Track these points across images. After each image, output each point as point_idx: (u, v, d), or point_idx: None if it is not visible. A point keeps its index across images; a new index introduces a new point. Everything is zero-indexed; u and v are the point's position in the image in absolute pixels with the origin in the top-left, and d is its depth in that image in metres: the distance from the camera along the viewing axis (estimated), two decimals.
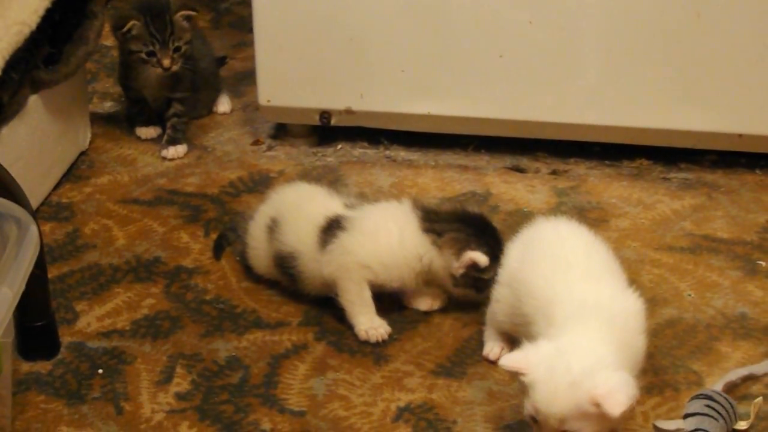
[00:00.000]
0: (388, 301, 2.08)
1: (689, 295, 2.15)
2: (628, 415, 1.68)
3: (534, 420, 1.69)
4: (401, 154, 2.64)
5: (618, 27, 2.41)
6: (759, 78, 2.40)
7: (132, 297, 2.17)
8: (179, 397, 1.92)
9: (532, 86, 2.49)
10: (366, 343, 2.03)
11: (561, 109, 2.50)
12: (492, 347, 1.98)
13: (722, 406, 1.77)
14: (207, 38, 2.92)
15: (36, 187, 2.38)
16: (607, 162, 2.58)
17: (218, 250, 2.28)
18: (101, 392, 1.94)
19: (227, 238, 2.29)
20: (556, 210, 2.40)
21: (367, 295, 2.04)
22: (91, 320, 2.10)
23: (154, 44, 2.59)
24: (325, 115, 2.61)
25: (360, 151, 2.66)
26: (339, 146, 2.67)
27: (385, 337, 2.03)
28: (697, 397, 1.81)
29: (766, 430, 1.82)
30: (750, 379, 1.92)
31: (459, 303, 2.10)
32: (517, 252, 1.92)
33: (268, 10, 2.52)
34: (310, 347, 2.03)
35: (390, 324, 2.05)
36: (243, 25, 3.22)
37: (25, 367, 1.98)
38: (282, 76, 2.58)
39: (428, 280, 2.08)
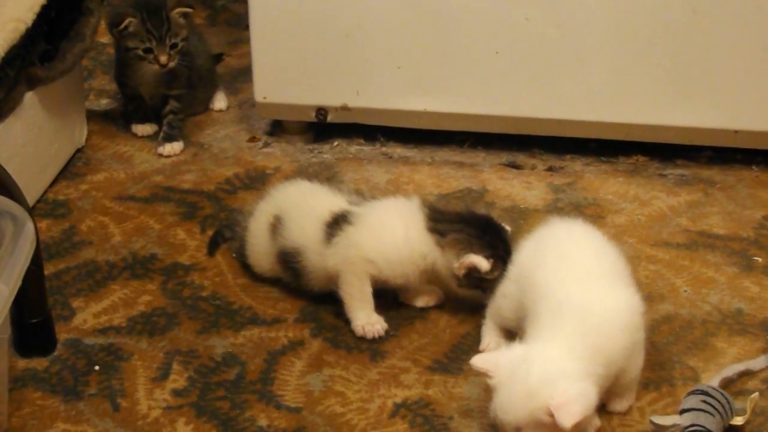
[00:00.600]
0: (385, 297, 2.08)
1: (685, 291, 2.15)
2: (584, 426, 1.70)
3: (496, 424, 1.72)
4: (397, 150, 2.64)
5: (614, 24, 2.41)
6: (755, 74, 2.40)
7: (128, 294, 2.17)
8: (176, 393, 1.92)
9: (528, 83, 2.49)
10: (362, 339, 2.03)
11: (557, 105, 2.50)
12: (489, 342, 1.98)
13: (718, 401, 1.78)
14: (203, 35, 2.92)
15: (32, 184, 2.37)
16: (603, 158, 2.58)
17: (213, 246, 2.28)
18: (98, 389, 1.94)
19: (223, 235, 2.29)
20: (552, 206, 2.40)
21: (368, 290, 2.04)
22: (87, 317, 2.10)
23: (151, 41, 2.59)
24: (321, 111, 2.61)
25: (356, 147, 2.66)
26: (335, 143, 2.67)
27: (382, 333, 2.03)
28: (693, 392, 1.81)
29: (762, 425, 1.82)
30: (746, 374, 1.92)
31: (455, 299, 2.10)
32: (529, 249, 1.93)
33: (264, 7, 2.52)
34: (306, 344, 2.03)
35: (386, 320, 2.05)
36: (239, 22, 3.22)
37: (22, 363, 1.98)
38: (278, 73, 2.58)
39: (432, 279, 2.08)
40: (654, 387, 1.91)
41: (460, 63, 2.49)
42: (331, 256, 2.03)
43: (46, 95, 2.42)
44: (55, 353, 2.01)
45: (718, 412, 1.77)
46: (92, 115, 2.76)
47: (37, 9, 2.29)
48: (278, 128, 2.72)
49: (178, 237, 2.33)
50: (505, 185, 2.50)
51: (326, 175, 2.51)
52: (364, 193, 2.28)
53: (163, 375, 1.96)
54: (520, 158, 2.60)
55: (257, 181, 2.52)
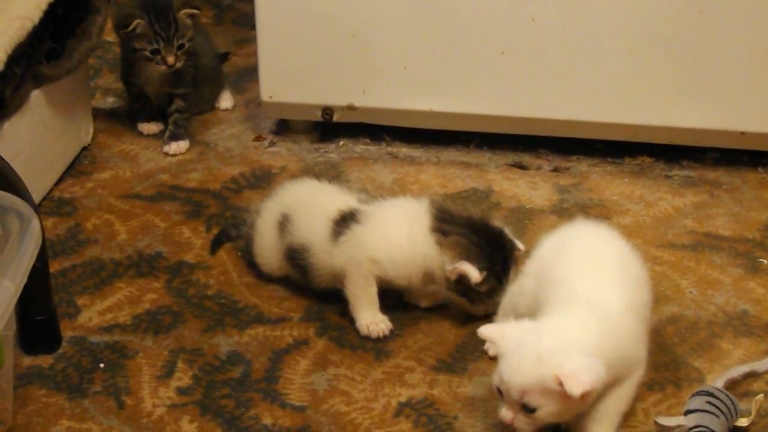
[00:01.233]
0: (390, 297, 2.08)
1: (691, 292, 2.15)
2: (590, 398, 1.68)
3: (499, 391, 1.71)
4: (403, 150, 2.64)
5: (620, 25, 2.41)
6: (761, 75, 2.40)
7: (133, 292, 2.17)
8: (180, 391, 1.93)
9: (534, 83, 2.49)
10: (367, 338, 2.03)
11: (563, 106, 2.50)
12: None
13: (723, 402, 1.77)
14: (209, 34, 2.92)
15: (38, 182, 2.38)
16: (609, 159, 2.58)
17: (216, 245, 2.28)
18: (102, 386, 1.94)
19: (228, 234, 2.29)
20: (557, 207, 2.40)
21: (373, 290, 2.03)
22: (92, 315, 2.11)
23: (158, 42, 2.59)
24: (327, 111, 2.61)
25: (362, 147, 2.66)
26: (341, 142, 2.67)
27: (387, 332, 2.03)
28: (698, 393, 1.81)
29: (767, 427, 1.82)
30: (751, 376, 1.92)
31: None
32: (551, 246, 1.92)
33: (271, 7, 2.52)
34: (311, 342, 2.03)
35: (391, 320, 2.05)
36: (245, 22, 3.22)
37: (27, 361, 1.99)
38: (284, 73, 2.58)
39: (429, 280, 2.07)
40: (659, 388, 1.90)
41: (466, 63, 2.49)
42: (338, 255, 2.03)
43: (52, 93, 2.43)
44: (60, 351, 2.02)
45: (723, 413, 1.76)
46: (98, 114, 2.76)
47: (44, 7, 2.29)
48: (284, 127, 2.72)
49: (184, 235, 2.33)
50: (511, 185, 2.50)
51: (332, 175, 2.51)
52: (372, 193, 2.28)
53: (168, 373, 1.96)
54: (526, 159, 2.60)
55: (263, 180, 2.52)
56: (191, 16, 2.63)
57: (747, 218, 2.37)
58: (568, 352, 1.66)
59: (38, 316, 1.98)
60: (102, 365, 1.99)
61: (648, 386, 1.89)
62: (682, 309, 2.10)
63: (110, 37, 2.93)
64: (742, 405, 1.81)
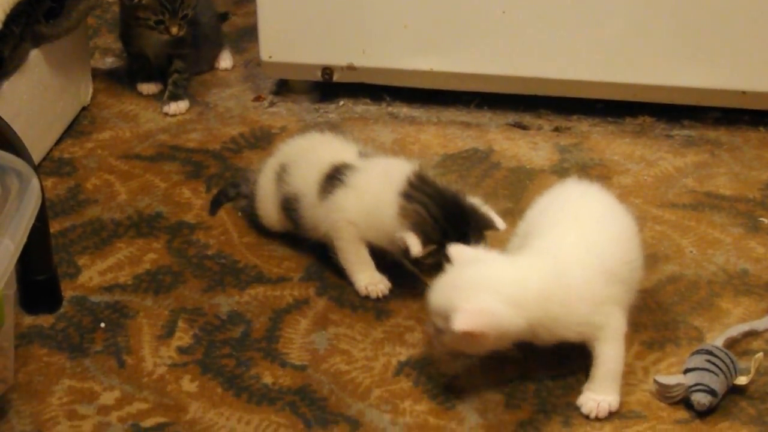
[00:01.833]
0: (387, 257, 2.08)
1: (691, 251, 2.15)
2: (484, 342, 1.67)
3: None
4: (403, 110, 2.64)
5: None
6: (763, 34, 2.39)
7: (134, 252, 2.17)
8: (181, 351, 1.93)
9: (534, 42, 2.48)
10: (367, 298, 2.03)
11: (564, 65, 2.49)
12: None
13: (723, 361, 1.78)
14: None
15: (37, 142, 2.37)
16: (609, 119, 2.57)
17: (215, 205, 2.27)
18: (103, 346, 1.94)
19: (227, 195, 2.29)
20: (558, 167, 2.40)
21: (364, 251, 2.02)
22: (93, 274, 2.11)
23: (164, 14, 2.57)
24: (327, 71, 2.60)
25: (362, 107, 2.65)
26: (341, 102, 2.67)
27: (386, 292, 2.03)
28: (697, 352, 1.81)
29: (766, 385, 1.83)
30: (751, 334, 1.92)
31: None
32: (539, 205, 1.91)
33: None
34: (311, 302, 2.04)
35: (390, 279, 2.04)
36: None
37: (28, 320, 1.99)
38: (284, 32, 2.57)
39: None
40: (658, 346, 1.91)
41: (467, 22, 2.48)
42: (324, 220, 2.02)
43: (51, 53, 2.42)
44: (61, 310, 2.02)
45: (722, 371, 1.77)
46: (97, 74, 2.75)
47: None
48: (284, 88, 2.71)
49: (184, 196, 2.33)
50: (512, 145, 2.49)
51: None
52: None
53: (169, 333, 1.97)
54: (527, 118, 2.59)
55: (262, 141, 2.51)
56: None
57: (748, 178, 2.36)
58: (483, 289, 1.66)
59: (39, 276, 1.98)
60: (103, 325, 1.99)
61: (648, 345, 1.90)
62: (682, 268, 2.10)
63: None
64: (742, 363, 1.82)
